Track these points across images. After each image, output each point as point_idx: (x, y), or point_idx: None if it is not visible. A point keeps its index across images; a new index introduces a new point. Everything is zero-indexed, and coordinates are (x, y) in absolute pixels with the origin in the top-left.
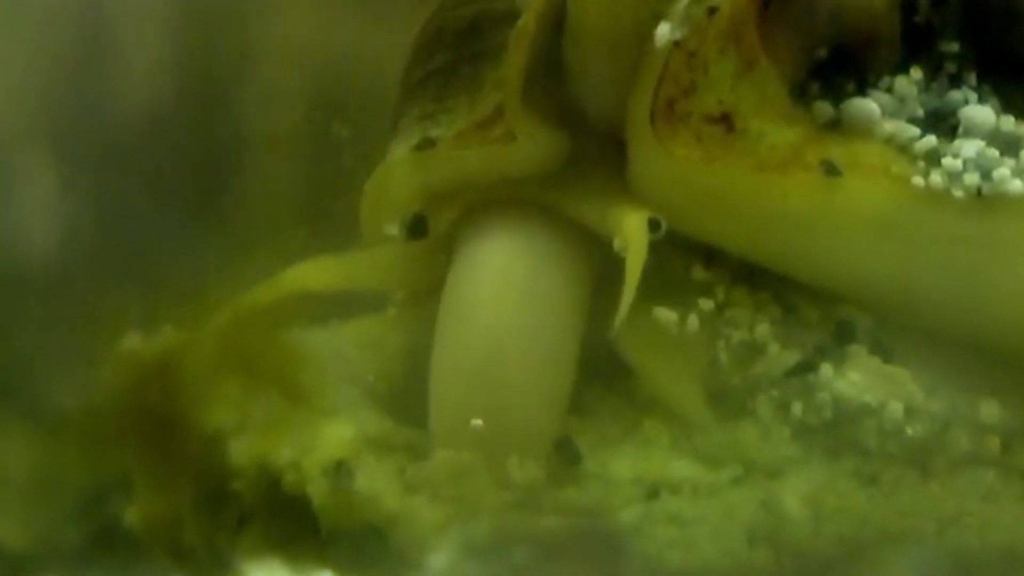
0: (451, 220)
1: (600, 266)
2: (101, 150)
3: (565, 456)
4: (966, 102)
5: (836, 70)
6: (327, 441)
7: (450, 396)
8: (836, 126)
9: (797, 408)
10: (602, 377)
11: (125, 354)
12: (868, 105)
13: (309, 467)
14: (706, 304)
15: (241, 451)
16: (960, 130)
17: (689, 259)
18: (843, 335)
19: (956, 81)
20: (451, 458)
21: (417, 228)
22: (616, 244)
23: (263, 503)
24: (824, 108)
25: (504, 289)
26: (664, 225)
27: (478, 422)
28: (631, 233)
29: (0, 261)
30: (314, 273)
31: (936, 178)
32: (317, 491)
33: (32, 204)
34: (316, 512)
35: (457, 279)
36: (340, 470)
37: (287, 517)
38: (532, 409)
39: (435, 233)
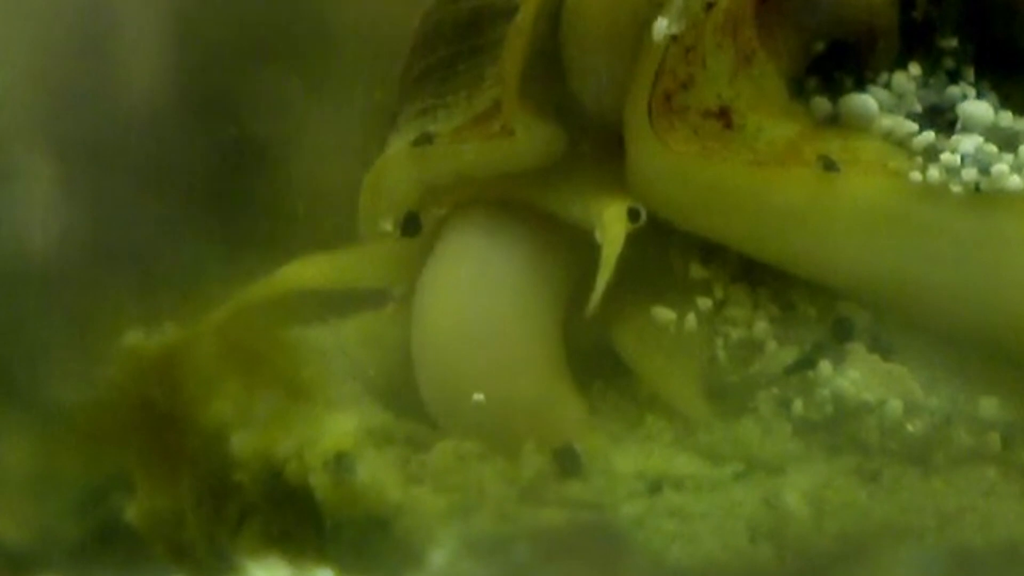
0: (438, 217)
1: (592, 263)
2: (101, 147)
3: (565, 464)
4: (964, 97)
5: (834, 65)
6: (329, 433)
7: (425, 384)
8: (834, 121)
9: (797, 405)
10: (604, 374)
11: (127, 350)
12: (866, 100)
13: (311, 458)
14: (704, 302)
15: (243, 444)
16: (958, 125)
17: (687, 257)
18: (841, 332)
19: (954, 76)
20: (453, 448)
21: (410, 226)
22: (597, 234)
23: (265, 496)
24: (822, 103)
25: (461, 280)
26: (644, 214)
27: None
28: (608, 221)
29: (1, 258)
30: (309, 270)
31: (934, 173)
32: (319, 482)
33: (32, 201)
34: (318, 504)
35: (423, 275)
36: (340, 463)
37: (289, 510)
38: (494, 395)
39: (426, 230)
